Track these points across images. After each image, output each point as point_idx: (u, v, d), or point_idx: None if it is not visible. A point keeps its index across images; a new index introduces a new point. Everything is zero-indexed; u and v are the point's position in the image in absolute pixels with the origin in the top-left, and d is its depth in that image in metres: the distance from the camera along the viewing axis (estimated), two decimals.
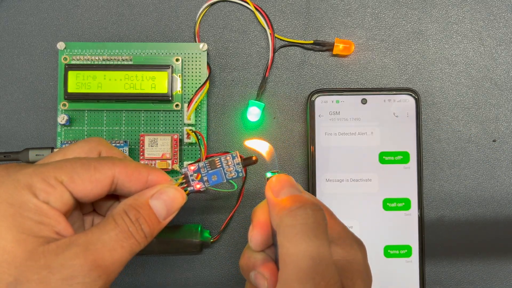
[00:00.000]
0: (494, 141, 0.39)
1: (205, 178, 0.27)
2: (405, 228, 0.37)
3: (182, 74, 0.37)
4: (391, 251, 0.36)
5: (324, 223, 0.23)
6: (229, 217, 0.38)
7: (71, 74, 0.36)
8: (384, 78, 0.39)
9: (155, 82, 0.36)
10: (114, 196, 0.26)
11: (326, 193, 0.37)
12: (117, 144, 0.36)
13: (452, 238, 0.38)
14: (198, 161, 0.36)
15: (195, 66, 0.38)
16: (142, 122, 0.37)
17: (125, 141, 0.36)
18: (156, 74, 0.36)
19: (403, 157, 0.37)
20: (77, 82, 0.36)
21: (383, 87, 0.38)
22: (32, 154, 0.35)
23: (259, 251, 0.25)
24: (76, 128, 0.37)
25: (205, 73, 0.37)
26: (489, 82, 0.39)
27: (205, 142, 0.36)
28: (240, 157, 0.28)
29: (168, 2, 0.39)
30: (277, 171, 0.26)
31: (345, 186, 0.37)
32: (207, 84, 0.36)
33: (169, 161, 0.36)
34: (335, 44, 0.38)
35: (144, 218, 0.24)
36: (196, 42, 0.38)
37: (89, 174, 0.23)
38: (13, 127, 0.38)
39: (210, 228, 0.38)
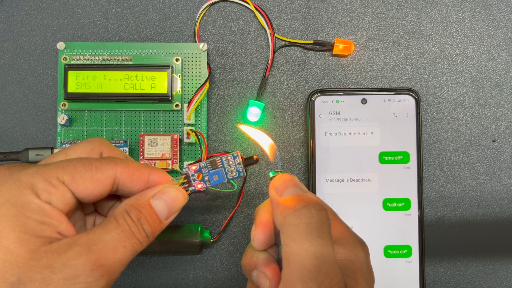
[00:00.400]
0: (494, 141, 0.39)
1: (206, 178, 0.27)
2: (405, 228, 0.37)
3: (182, 74, 0.37)
4: (391, 251, 0.36)
5: (328, 223, 0.23)
6: (229, 217, 0.38)
7: (71, 74, 0.36)
8: (384, 78, 0.39)
9: (155, 82, 0.36)
10: (115, 196, 0.26)
11: (326, 193, 0.37)
12: (117, 144, 0.36)
13: (452, 238, 0.38)
14: (199, 160, 0.36)
15: (195, 66, 0.38)
16: (142, 122, 0.37)
17: (125, 141, 0.36)
18: (156, 74, 0.36)
19: (403, 157, 0.37)
20: (77, 82, 0.36)
21: (383, 87, 0.38)
22: (32, 154, 0.35)
23: (261, 251, 0.25)
24: (76, 128, 0.37)
25: (205, 73, 0.37)
26: (489, 82, 0.39)
27: (206, 141, 0.36)
28: (241, 157, 0.28)
29: (168, 2, 0.39)
30: (281, 171, 0.26)
31: (345, 186, 0.37)
32: (207, 84, 0.36)
33: (169, 161, 0.36)
34: (335, 44, 0.38)
35: (145, 218, 0.24)
36: (196, 42, 0.38)
37: (91, 174, 0.23)
38: (13, 127, 0.38)
39: (210, 228, 0.38)
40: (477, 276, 0.38)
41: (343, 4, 0.39)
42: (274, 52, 0.38)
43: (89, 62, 0.37)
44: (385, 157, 0.37)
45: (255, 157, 0.28)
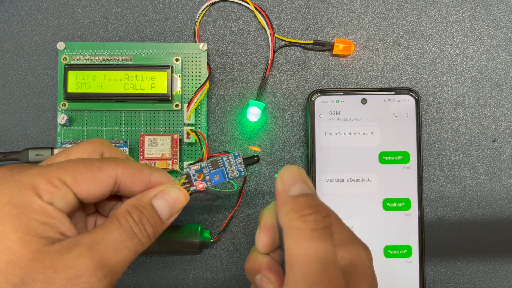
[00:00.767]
0: (494, 141, 0.38)
1: (207, 178, 0.27)
2: (405, 228, 0.37)
3: (182, 74, 0.37)
4: (391, 251, 0.36)
5: (331, 228, 0.23)
6: (229, 217, 0.38)
7: (71, 74, 0.36)
8: (384, 78, 0.39)
9: (155, 82, 0.36)
10: (117, 196, 0.26)
11: (326, 193, 0.37)
12: (117, 144, 0.36)
13: (452, 238, 0.38)
14: (199, 160, 0.36)
15: (195, 66, 0.38)
16: (142, 122, 0.37)
17: (125, 141, 0.36)
18: (156, 74, 0.36)
19: (403, 157, 0.37)
20: (77, 82, 0.36)
21: (383, 87, 0.38)
22: (32, 154, 0.35)
23: (265, 254, 0.25)
24: (76, 128, 0.37)
25: (205, 73, 0.37)
26: (489, 82, 0.39)
27: (206, 141, 0.36)
28: (242, 157, 0.28)
29: (168, 2, 0.39)
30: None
31: (345, 186, 0.37)
32: (207, 84, 0.36)
33: (169, 161, 0.36)
34: (335, 44, 0.38)
35: (147, 218, 0.24)
36: (196, 42, 0.38)
37: (92, 174, 0.23)
38: (13, 127, 0.38)
39: (210, 228, 0.38)
40: (477, 276, 0.38)
41: (343, 4, 0.39)
42: (274, 52, 0.38)
43: (89, 62, 0.37)
44: (385, 157, 0.37)
45: (256, 157, 0.28)
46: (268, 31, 0.38)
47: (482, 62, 0.39)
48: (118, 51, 0.37)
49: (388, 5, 0.39)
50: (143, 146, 0.36)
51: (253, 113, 0.38)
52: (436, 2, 0.39)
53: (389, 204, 0.37)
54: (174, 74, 0.37)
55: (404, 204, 0.37)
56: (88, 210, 0.26)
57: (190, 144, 0.37)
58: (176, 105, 0.37)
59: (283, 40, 0.39)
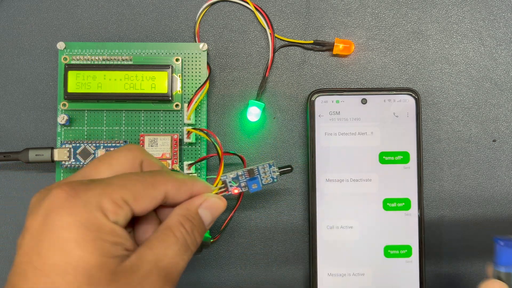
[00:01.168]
0: (494, 141, 0.39)
1: (242, 184, 0.30)
2: (405, 228, 0.37)
3: (182, 74, 0.37)
4: (391, 251, 0.36)
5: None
6: (229, 217, 0.38)
7: (71, 74, 0.36)
8: (384, 78, 0.39)
9: (155, 82, 0.36)
10: None
11: (326, 193, 0.37)
12: (117, 144, 0.36)
13: (452, 238, 0.38)
14: (201, 160, 0.36)
15: (195, 66, 0.38)
16: (142, 122, 0.37)
17: (125, 141, 0.36)
18: (156, 74, 0.36)
19: (403, 157, 0.37)
20: (77, 82, 0.36)
21: (383, 87, 0.38)
22: (32, 154, 0.35)
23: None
24: (76, 128, 0.37)
25: (205, 73, 0.37)
26: (489, 82, 0.39)
27: (218, 139, 0.36)
28: (276, 167, 0.31)
29: (168, 2, 0.39)
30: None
31: (345, 186, 0.37)
32: (207, 84, 0.36)
33: (169, 161, 0.36)
34: (335, 44, 0.38)
35: (197, 228, 0.26)
36: (196, 42, 0.38)
37: (148, 192, 0.24)
38: (13, 127, 0.38)
39: (210, 228, 0.38)
40: (477, 276, 0.38)
41: (343, 4, 0.39)
42: (274, 52, 0.38)
43: (89, 62, 0.37)
44: (385, 157, 0.37)
45: (289, 166, 0.32)
46: (268, 31, 0.38)
47: (482, 62, 0.39)
48: (118, 51, 0.37)
49: (388, 5, 0.39)
50: (143, 146, 0.36)
51: (253, 113, 0.38)
52: (436, 2, 0.39)
53: (389, 204, 0.37)
54: (174, 74, 0.37)
55: (404, 204, 0.37)
56: None
57: (190, 144, 0.37)
58: (176, 105, 0.37)
59: (283, 40, 0.39)
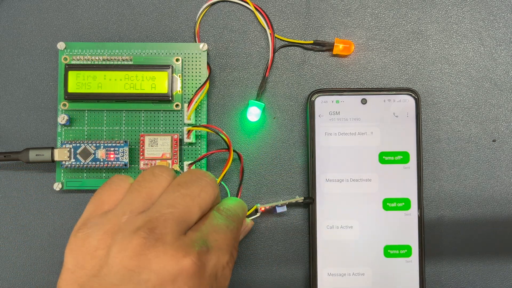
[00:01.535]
0: (494, 141, 0.39)
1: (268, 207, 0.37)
2: (405, 228, 0.37)
3: (182, 74, 0.37)
4: (391, 251, 0.37)
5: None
6: None
7: (71, 74, 0.36)
8: (384, 78, 0.39)
9: (155, 82, 0.36)
10: None
11: (326, 193, 0.37)
12: (117, 144, 0.36)
13: (452, 238, 0.38)
14: (202, 158, 0.36)
15: (195, 66, 0.38)
16: (142, 122, 0.37)
17: (125, 141, 0.36)
18: (156, 74, 0.36)
19: (403, 157, 0.37)
20: (77, 82, 0.36)
21: (383, 87, 0.38)
22: (32, 154, 0.36)
23: None
24: (76, 128, 0.37)
25: (205, 73, 0.38)
26: (489, 82, 0.39)
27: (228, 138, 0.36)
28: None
29: (168, 2, 0.39)
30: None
31: (345, 186, 0.37)
32: (207, 84, 0.36)
33: (169, 161, 0.36)
34: (335, 44, 0.38)
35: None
36: (196, 42, 0.38)
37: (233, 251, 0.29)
38: (13, 127, 0.38)
39: None
40: (477, 276, 0.38)
41: (343, 4, 0.39)
42: (274, 52, 0.38)
43: (89, 62, 0.37)
44: (385, 157, 0.37)
45: (311, 198, 0.37)
46: (268, 31, 0.38)
47: (481, 62, 0.39)
48: (118, 51, 0.37)
49: (388, 5, 0.39)
50: (143, 146, 0.36)
51: (253, 113, 0.38)
52: (436, 2, 0.39)
53: (389, 204, 0.37)
54: (174, 74, 0.37)
55: (404, 204, 0.37)
56: None
57: (190, 144, 0.37)
58: (176, 105, 0.37)
59: (283, 40, 0.39)
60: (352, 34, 0.39)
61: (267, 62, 0.38)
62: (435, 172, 0.38)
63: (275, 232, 0.38)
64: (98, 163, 0.36)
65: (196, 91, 0.36)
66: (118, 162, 0.36)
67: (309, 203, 0.37)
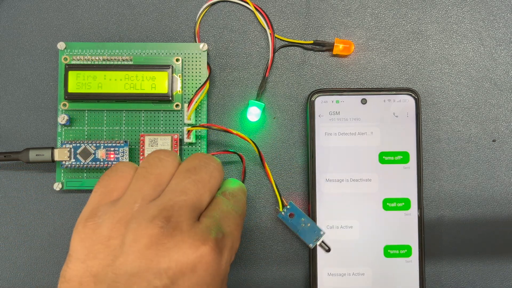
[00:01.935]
0: (494, 141, 0.39)
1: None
2: (405, 228, 0.37)
3: (182, 74, 0.37)
4: (391, 251, 0.37)
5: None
6: None
7: (71, 74, 0.36)
8: (384, 78, 0.39)
9: (155, 82, 0.36)
10: None
11: (326, 193, 0.37)
12: (117, 144, 0.36)
13: (452, 238, 0.38)
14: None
15: (195, 66, 0.38)
16: (142, 122, 0.37)
17: (125, 141, 0.36)
18: (156, 74, 0.36)
19: (403, 157, 0.37)
20: (78, 82, 0.36)
21: (383, 87, 0.38)
22: (32, 154, 0.36)
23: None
24: (77, 128, 0.37)
25: (205, 73, 0.38)
26: (489, 82, 0.39)
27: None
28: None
29: (168, 2, 0.39)
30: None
31: (345, 186, 0.37)
32: (207, 84, 0.36)
33: None
34: (335, 44, 0.38)
35: None
36: (196, 42, 0.38)
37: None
38: (13, 127, 0.38)
39: None
40: (477, 276, 0.38)
41: (343, 4, 0.39)
42: (274, 52, 0.38)
43: (89, 62, 0.37)
44: (385, 157, 0.37)
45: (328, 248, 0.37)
46: (268, 31, 0.38)
47: (481, 62, 0.39)
48: (119, 51, 0.37)
49: (388, 5, 0.39)
50: (143, 146, 0.36)
51: (253, 113, 0.38)
52: (436, 2, 0.39)
53: (389, 204, 0.37)
54: (174, 74, 0.37)
55: (404, 204, 0.37)
56: None
57: (190, 144, 0.37)
58: (177, 105, 0.37)
59: (283, 40, 0.39)
60: (352, 34, 0.39)
61: (267, 62, 0.39)
62: (435, 172, 0.38)
63: (275, 232, 0.38)
64: (98, 163, 0.36)
65: (196, 91, 0.36)
66: None
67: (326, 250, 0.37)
